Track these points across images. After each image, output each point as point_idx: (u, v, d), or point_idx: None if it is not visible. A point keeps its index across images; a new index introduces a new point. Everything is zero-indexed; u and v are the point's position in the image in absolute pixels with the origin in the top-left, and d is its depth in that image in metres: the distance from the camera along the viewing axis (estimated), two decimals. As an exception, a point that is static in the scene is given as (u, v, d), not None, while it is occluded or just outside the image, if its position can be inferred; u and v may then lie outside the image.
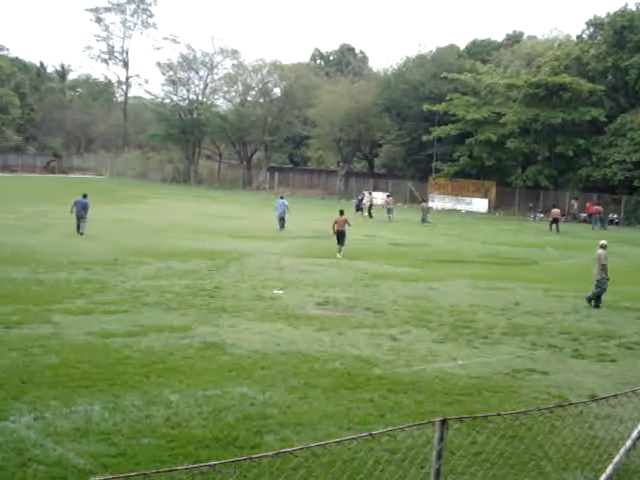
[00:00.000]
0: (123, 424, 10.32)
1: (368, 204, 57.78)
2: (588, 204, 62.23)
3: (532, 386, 13.22)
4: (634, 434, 6.95)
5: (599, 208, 60.02)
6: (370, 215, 55.98)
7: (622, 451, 6.97)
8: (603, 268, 21.85)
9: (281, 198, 43.88)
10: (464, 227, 52.78)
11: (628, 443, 6.95)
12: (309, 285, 23.20)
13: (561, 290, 24.89)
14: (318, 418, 10.90)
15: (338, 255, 31.07)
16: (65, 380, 12.08)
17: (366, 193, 63.28)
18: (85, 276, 22.59)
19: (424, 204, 57.45)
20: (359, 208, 57.01)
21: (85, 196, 34.96)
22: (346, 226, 32.28)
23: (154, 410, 10.91)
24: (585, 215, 61.89)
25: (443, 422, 5.37)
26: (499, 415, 5.97)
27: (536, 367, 14.46)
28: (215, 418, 10.69)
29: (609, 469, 6.94)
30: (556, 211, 53.97)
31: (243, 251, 30.53)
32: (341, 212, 33.57)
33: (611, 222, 62.64)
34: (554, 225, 52.21)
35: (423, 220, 53.66)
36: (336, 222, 32.43)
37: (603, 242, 22.59)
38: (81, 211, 34.14)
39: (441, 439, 5.35)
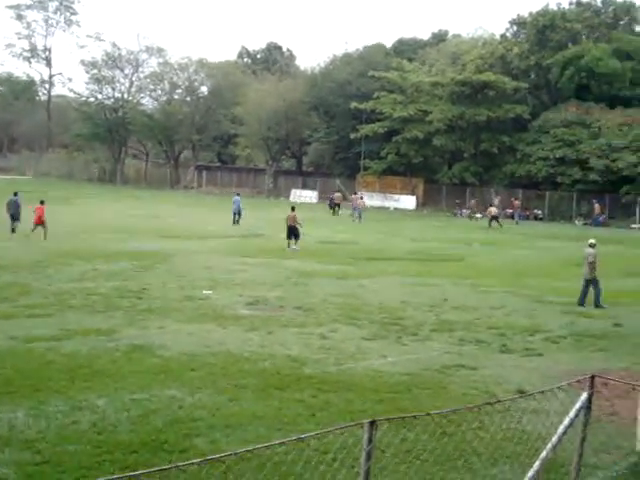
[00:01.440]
0: (48, 431, 10.06)
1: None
2: (512, 200, 63.40)
3: (461, 382, 13.33)
4: (560, 429, 7.03)
5: (517, 203, 61.59)
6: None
7: (549, 446, 7.03)
8: (592, 267, 21.82)
9: (237, 195, 46.65)
10: (392, 224, 53.13)
11: (554, 439, 7.03)
12: (238, 285, 23.04)
13: (488, 285, 25.19)
14: (248, 419, 10.79)
15: (291, 248, 32.94)
16: (-14, 387, 11.75)
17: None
18: (9, 279, 22.05)
19: (360, 200, 57.92)
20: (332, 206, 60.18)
21: (16, 194, 34.43)
22: (296, 222, 33.75)
23: (80, 416, 10.66)
24: (511, 211, 62.91)
25: (372, 423, 5.34)
26: (428, 415, 5.96)
27: (465, 363, 14.58)
28: (143, 422, 10.50)
29: (536, 464, 6.99)
30: (493, 209, 54.75)
31: (171, 251, 30.19)
32: (292, 208, 35.28)
33: (535, 217, 63.87)
34: (494, 222, 52.81)
35: (354, 210, 54.86)
36: (287, 218, 34.05)
37: (592, 241, 22.69)
38: (14, 210, 33.54)
39: (370, 440, 5.31)
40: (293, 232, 33.75)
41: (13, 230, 33.24)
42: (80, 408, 10.97)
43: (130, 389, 11.93)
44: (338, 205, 61.22)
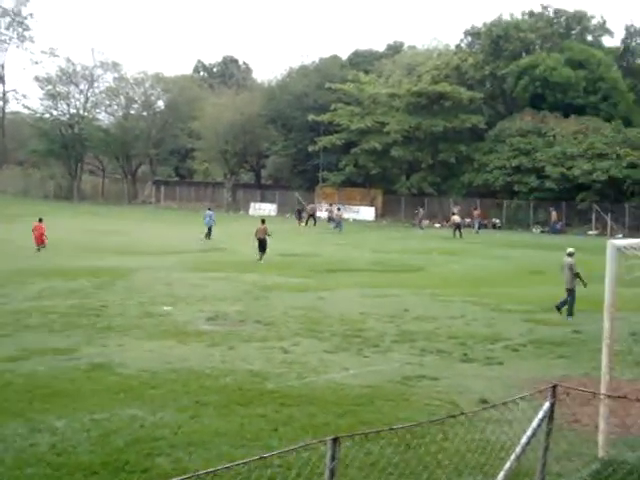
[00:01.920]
0: (6, 454, 9.87)
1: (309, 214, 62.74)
2: (473, 209, 63.84)
3: (423, 392, 13.33)
4: (523, 440, 7.05)
5: (477, 212, 62.14)
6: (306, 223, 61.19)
7: (512, 457, 7.05)
8: (577, 276, 21.76)
9: (208, 210, 47.86)
10: (352, 236, 53.17)
11: (518, 449, 7.04)
12: (199, 300, 22.89)
13: (448, 295, 25.27)
14: (210, 437, 10.68)
15: (260, 261, 33.56)
16: (-58, 411, 11.51)
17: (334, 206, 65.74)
18: (-37, 299, 21.71)
19: (338, 212, 60.12)
20: (300, 217, 62.36)
21: None
22: (265, 235, 34.62)
23: (39, 438, 10.49)
24: (469, 220, 63.31)
25: (335, 440, 5.28)
26: (391, 430, 5.93)
27: (426, 373, 14.59)
28: (103, 442, 10.34)
29: (501, 475, 7.00)
30: (456, 217, 55.01)
31: (130, 267, 29.94)
32: (262, 221, 36.14)
33: (494, 226, 64.30)
34: (457, 231, 53.03)
35: (332, 221, 56.83)
36: (257, 230, 34.90)
37: (570, 250, 22.70)
38: None
39: (333, 458, 5.26)
40: (262, 244, 34.46)
41: None
42: (39, 430, 10.79)
43: (90, 409, 11.76)
44: (313, 216, 62.64)
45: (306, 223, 61.11)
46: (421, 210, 64.29)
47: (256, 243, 34.74)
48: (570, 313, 21.63)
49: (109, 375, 13.85)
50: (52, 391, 12.71)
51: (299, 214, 64.69)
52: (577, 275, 21.84)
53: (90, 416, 11.43)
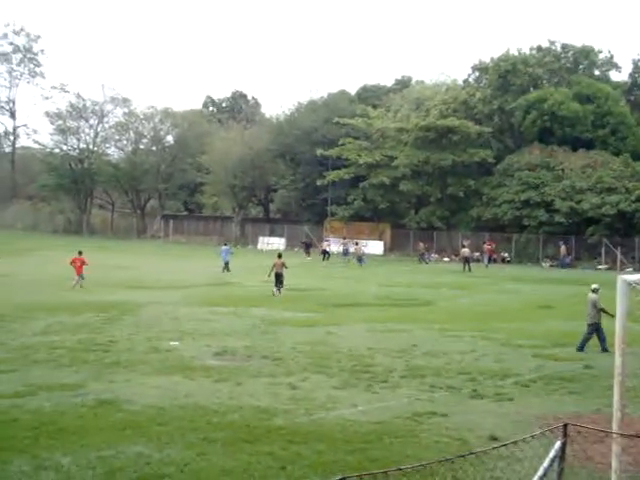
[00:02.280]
0: (10, 493, 9.77)
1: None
2: (483, 244, 63.79)
3: (433, 429, 13.18)
4: (539, 473, 6.92)
5: (488, 247, 61.91)
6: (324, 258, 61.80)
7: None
8: (602, 311, 21.05)
9: (225, 245, 50.06)
10: (360, 270, 53.11)
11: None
12: (206, 335, 22.78)
13: (457, 330, 25.11)
14: (217, 475, 10.55)
15: (276, 294, 34.03)
16: (-53, 448, 11.41)
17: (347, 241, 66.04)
18: (-29, 334, 21.66)
19: (357, 246, 60.77)
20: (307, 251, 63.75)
21: None
22: (282, 269, 35.12)
23: (44, 475, 10.37)
24: (478, 254, 63.20)
25: (342, 481, 5.19)
26: (399, 470, 5.83)
27: (436, 409, 14.44)
28: (109, 480, 10.24)
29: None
30: (466, 250, 55.06)
31: (138, 302, 29.87)
32: (279, 255, 36.89)
33: (503, 260, 64.17)
34: (467, 265, 53.05)
35: (360, 260, 57.02)
36: (275, 265, 35.37)
37: (595, 286, 22.27)
38: None
39: (340, 499, 5.16)
40: (279, 278, 34.85)
41: None
42: (44, 467, 10.68)
43: (96, 446, 11.64)
44: (325, 251, 63.30)
45: (323, 258, 61.55)
46: (421, 244, 64.39)
47: (273, 277, 35.10)
48: (581, 348, 21.38)
49: (116, 411, 13.73)
50: (58, 427, 12.60)
51: (307, 247, 64.78)
52: (602, 310, 21.16)
53: (96, 453, 11.31)
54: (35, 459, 10.99)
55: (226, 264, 46.63)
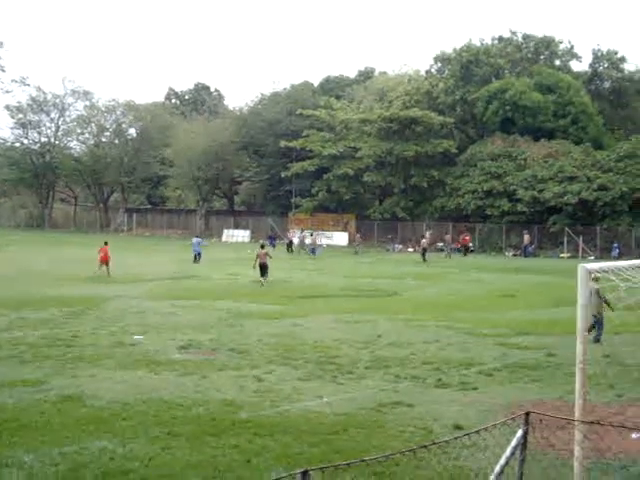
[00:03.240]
0: (-28, 491, 9.67)
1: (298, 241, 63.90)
2: (462, 236, 64.37)
3: (398, 419, 13.23)
4: (497, 469, 6.99)
5: (448, 237, 62.32)
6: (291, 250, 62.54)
7: (492, 478, 6.97)
8: (606, 302, 19.75)
9: (196, 237, 51.39)
10: (325, 261, 53.14)
11: (492, 478, 6.96)
12: (170, 328, 22.65)
13: (422, 320, 25.22)
14: (182, 469, 10.50)
15: (262, 283, 35.12)
16: None
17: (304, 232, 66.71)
18: None
19: (311, 237, 62.04)
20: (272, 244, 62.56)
21: None
22: (267, 258, 36.31)
23: (6, 473, 10.23)
24: (442, 244, 63.57)
25: (304, 474, 5.19)
26: (363, 461, 5.84)
27: (401, 399, 14.49)
28: (72, 477, 10.12)
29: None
30: (424, 241, 55.31)
31: (102, 296, 29.65)
32: (262, 246, 38.54)
33: (467, 249, 64.58)
34: (424, 255, 53.31)
35: (312, 251, 58.39)
36: (258, 255, 36.54)
37: (595, 272, 20.93)
38: None
39: (303, 492, 5.17)
40: (264, 268, 35.92)
41: None
42: (7, 465, 10.54)
43: (59, 442, 11.53)
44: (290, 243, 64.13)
45: (288, 250, 61.78)
46: (358, 236, 65.94)
47: (257, 268, 36.08)
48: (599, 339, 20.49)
49: (79, 407, 13.62)
50: (20, 424, 12.46)
51: (272, 240, 64.71)
52: (606, 302, 19.83)
53: (60, 449, 11.20)
54: (-3, 456, 10.87)
55: (197, 255, 47.95)
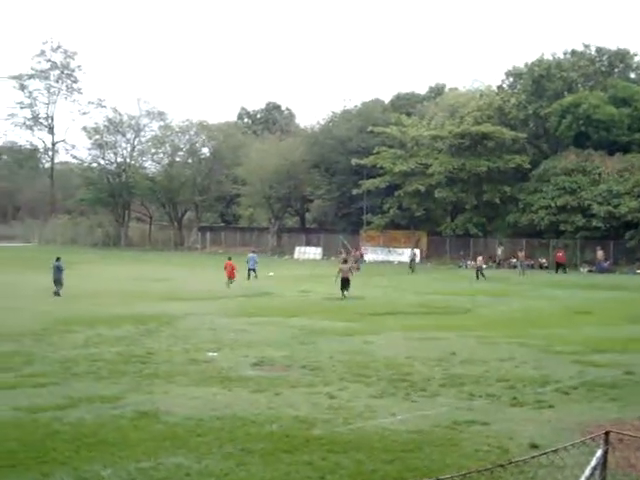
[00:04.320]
0: (52, 505, 9.85)
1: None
2: (558, 253, 62.16)
3: (472, 438, 13.07)
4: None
5: (522, 254, 60.90)
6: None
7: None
8: None
9: (252, 253, 49.96)
10: (397, 278, 52.94)
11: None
12: (244, 345, 22.82)
13: (495, 337, 24.93)
14: (256, 485, 10.57)
15: (344, 295, 37.02)
16: (-10, 460, 11.53)
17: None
18: (12, 348, 21.89)
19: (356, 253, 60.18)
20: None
21: (58, 259, 37.84)
22: (349, 273, 38.14)
23: (85, 487, 10.45)
24: (515, 261, 62.70)
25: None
26: None
27: (475, 418, 14.32)
28: (149, 492, 10.28)
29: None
30: (479, 259, 54.42)
31: (176, 313, 30.02)
32: (344, 261, 40.93)
33: (541, 266, 63.55)
34: (479, 273, 52.17)
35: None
36: (341, 270, 38.44)
37: None
38: (56, 274, 36.93)
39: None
40: (346, 282, 37.55)
41: (55, 293, 36.21)
42: (85, 479, 10.75)
43: (136, 457, 11.70)
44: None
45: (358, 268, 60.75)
46: (414, 251, 64.66)
47: (339, 282, 37.67)
48: None
49: (155, 423, 13.80)
50: (98, 439, 12.68)
51: (360, 260, 63.28)
52: None
53: (136, 465, 11.36)
54: (76, 471, 11.07)
55: (251, 271, 47.11)
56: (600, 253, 60.83)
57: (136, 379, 17.61)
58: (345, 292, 37.06)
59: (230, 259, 43.54)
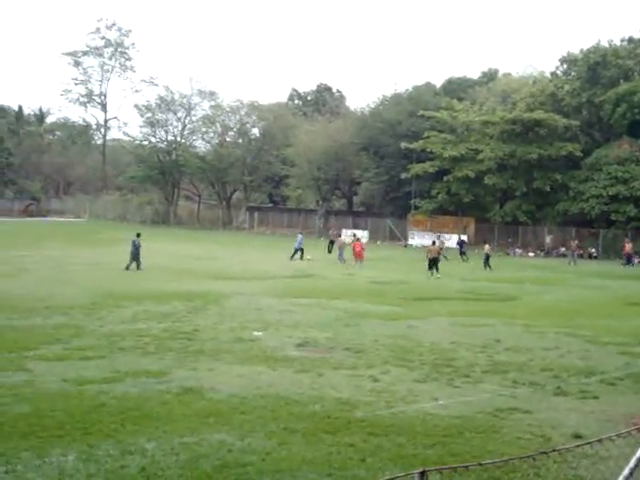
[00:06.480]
0: (97, 475, 10.02)
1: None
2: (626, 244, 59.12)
3: (515, 425, 13.03)
4: (625, 472, 6.78)
5: (574, 244, 59.08)
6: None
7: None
8: None
9: (300, 234, 52.20)
10: (443, 263, 52.61)
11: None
12: (289, 326, 22.95)
13: (541, 326, 24.73)
14: (297, 464, 10.64)
15: (435, 275, 39.94)
16: (38, 430, 11.76)
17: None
18: (62, 321, 22.28)
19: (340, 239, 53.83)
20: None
21: (138, 235, 39.55)
22: (438, 254, 41.12)
23: (129, 460, 10.61)
24: (564, 250, 61.97)
25: (422, 474, 5.20)
26: (480, 465, 5.80)
27: (518, 406, 14.27)
28: (192, 467, 10.40)
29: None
30: (487, 247, 51.19)
31: (222, 292, 30.25)
32: (433, 242, 44.40)
33: (590, 256, 62.75)
34: (486, 263, 48.56)
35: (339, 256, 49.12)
36: (429, 250, 42.01)
37: None
38: (134, 250, 38.42)
39: (420, 491, 5.18)
40: (435, 263, 40.54)
41: (139, 267, 37.98)
42: (130, 452, 10.92)
43: (179, 432, 11.87)
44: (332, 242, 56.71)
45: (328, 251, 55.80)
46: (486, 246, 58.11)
47: (426, 262, 40.89)
48: None
49: (199, 399, 13.96)
50: (143, 413, 12.87)
51: (461, 246, 58.19)
52: None
53: (180, 439, 11.52)
54: (121, 443, 11.26)
55: (299, 251, 48.79)
56: (629, 246, 58.00)
57: (182, 355, 17.82)
58: (434, 272, 39.83)
59: (358, 240, 46.89)
